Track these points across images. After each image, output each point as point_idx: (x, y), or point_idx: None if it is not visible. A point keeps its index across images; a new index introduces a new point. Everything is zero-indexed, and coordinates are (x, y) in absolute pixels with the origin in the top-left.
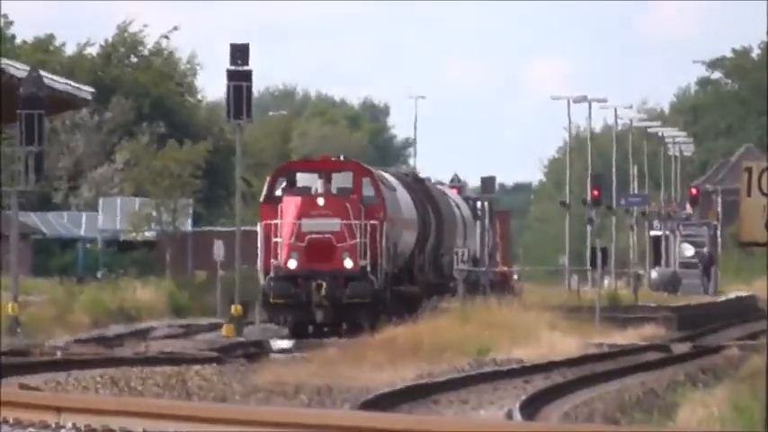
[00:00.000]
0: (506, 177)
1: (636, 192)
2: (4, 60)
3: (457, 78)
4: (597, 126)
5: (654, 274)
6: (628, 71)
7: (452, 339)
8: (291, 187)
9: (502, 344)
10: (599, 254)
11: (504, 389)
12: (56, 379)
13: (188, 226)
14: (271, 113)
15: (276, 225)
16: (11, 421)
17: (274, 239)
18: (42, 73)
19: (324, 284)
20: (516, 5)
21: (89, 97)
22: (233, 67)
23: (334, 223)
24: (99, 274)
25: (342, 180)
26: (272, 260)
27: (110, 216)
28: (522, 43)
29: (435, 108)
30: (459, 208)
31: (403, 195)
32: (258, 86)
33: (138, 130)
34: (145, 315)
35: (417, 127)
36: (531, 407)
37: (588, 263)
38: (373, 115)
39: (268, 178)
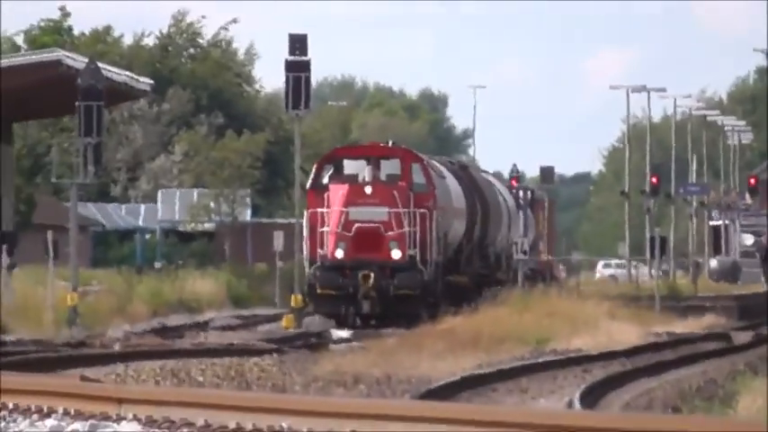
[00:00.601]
0: (566, 168)
1: (695, 181)
2: (63, 52)
3: (516, 68)
4: (656, 116)
5: (713, 263)
6: (686, 60)
7: (512, 329)
8: (338, 175)
9: (561, 333)
10: (658, 243)
11: (563, 378)
12: (116, 371)
13: (247, 217)
14: (330, 104)
15: (323, 213)
16: (72, 412)
17: (321, 228)
18: (100, 64)
19: (371, 275)
20: None
21: (147, 88)
22: (291, 58)
23: (382, 212)
24: (157, 265)
25: (390, 167)
26: (318, 249)
27: (169, 207)
28: (582, 33)
29: (495, 98)
30: (503, 196)
31: (453, 183)
32: (316, 77)
33: (196, 122)
34: (204, 306)
35: (476, 117)
36: (592, 396)
37: (647, 252)
38: (432, 105)
39: (315, 165)
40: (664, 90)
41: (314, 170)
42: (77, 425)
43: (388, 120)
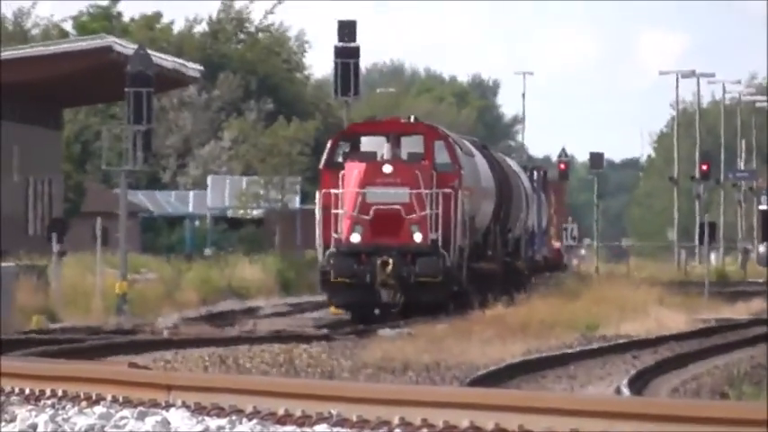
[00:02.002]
0: (615, 153)
1: (743, 167)
2: (113, 38)
3: (566, 54)
4: (705, 101)
5: (762, 248)
6: (736, 46)
7: (561, 315)
8: (355, 152)
9: (610, 320)
10: (707, 229)
11: (612, 364)
12: (164, 357)
13: (296, 204)
14: (379, 90)
15: (337, 195)
16: (120, 399)
17: (335, 211)
18: (150, 51)
19: (390, 261)
20: None
21: (197, 75)
22: (340, 44)
23: (403, 193)
24: (207, 252)
25: (412, 144)
26: (332, 234)
27: (218, 194)
28: (632, 17)
29: (544, 84)
30: (520, 178)
31: (481, 163)
32: (366, 63)
33: (245, 108)
34: (253, 293)
35: (526, 103)
36: (640, 382)
37: (696, 238)
38: (482, 92)
39: (329, 142)
40: (713, 75)
41: (328, 147)
42: (126, 412)
43: (435, 106)
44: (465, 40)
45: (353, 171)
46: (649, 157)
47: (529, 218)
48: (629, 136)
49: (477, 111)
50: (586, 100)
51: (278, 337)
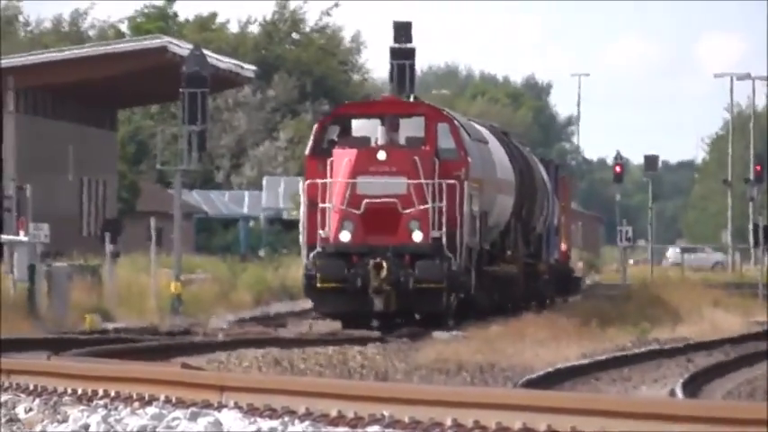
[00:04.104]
0: (670, 155)
1: None
2: (168, 38)
3: (621, 55)
4: (760, 104)
5: None
6: None
7: (615, 317)
8: (345, 137)
9: (665, 322)
10: (761, 231)
11: (666, 367)
12: (218, 358)
13: None
14: (434, 92)
15: (324, 185)
16: (173, 400)
17: (322, 204)
18: (205, 51)
19: (385, 264)
20: None
21: (251, 75)
22: (396, 45)
23: (400, 183)
24: (261, 253)
25: (411, 127)
26: (318, 231)
27: (273, 194)
28: (689, 20)
29: (599, 85)
30: (539, 170)
31: (497, 150)
32: (421, 65)
33: (301, 108)
34: None
35: (581, 105)
36: (694, 385)
37: (751, 240)
38: (536, 93)
39: (315, 125)
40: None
41: (314, 131)
42: (178, 413)
43: (489, 107)
44: (520, 41)
45: (343, 158)
46: (704, 160)
47: (551, 214)
48: (685, 138)
49: (531, 112)
50: (643, 102)
51: (332, 338)
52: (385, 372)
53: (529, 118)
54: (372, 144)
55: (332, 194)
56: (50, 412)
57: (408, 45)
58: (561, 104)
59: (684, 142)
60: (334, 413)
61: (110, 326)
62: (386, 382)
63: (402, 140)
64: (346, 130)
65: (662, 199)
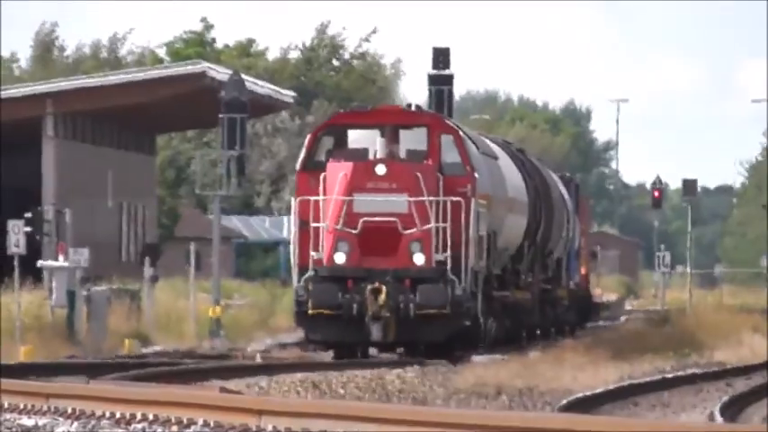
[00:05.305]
0: (708, 180)
1: None
2: (206, 64)
3: (660, 80)
4: None
5: None
6: None
7: (653, 342)
8: (341, 149)
9: (704, 346)
10: None
11: (705, 391)
12: (257, 383)
13: None
14: (472, 117)
15: (317, 203)
16: (212, 424)
17: (315, 224)
18: (244, 77)
19: (384, 288)
20: (719, 5)
21: (290, 101)
22: (434, 71)
23: (400, 201)
24: None
25: (412, 140)
26: (311, 253)
27: None
28: (729, 45)
29: (638, 110)
30: (559, 188)
31: (508, 167)
32: (459, 91)
33: None
34: None
35: (619, 130)
36: (733, 409)
37: None
38: (575, 119)
39: (308, 137)
40: None
41: (306, 142)
42: None
43: (528, 132)
44: (559, 67)
45: (338, 173)
46: (743, 184)
47: (572, 236)
48: (723, 163)
49: (570, 138)
50: (682, 127)
51: (371, 362)
52: (423, 396)
53: (568, 144)
54: (370, 157)
55: (326, 213)
56: None
57: (446, 71)
58: (600, 129)
59: (723, 167)
60: None
61: (149, 350)
62: (424, 405)
63: (403, 153)
64: (342, 141)
65: (700, 223)
